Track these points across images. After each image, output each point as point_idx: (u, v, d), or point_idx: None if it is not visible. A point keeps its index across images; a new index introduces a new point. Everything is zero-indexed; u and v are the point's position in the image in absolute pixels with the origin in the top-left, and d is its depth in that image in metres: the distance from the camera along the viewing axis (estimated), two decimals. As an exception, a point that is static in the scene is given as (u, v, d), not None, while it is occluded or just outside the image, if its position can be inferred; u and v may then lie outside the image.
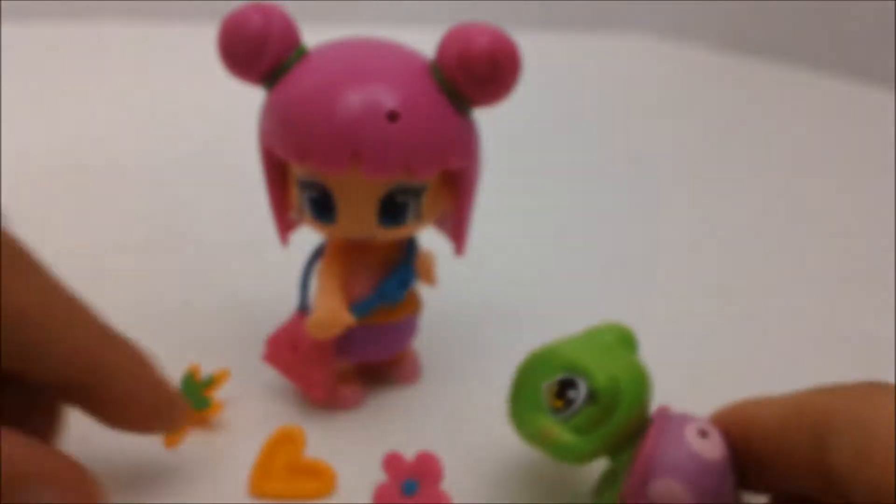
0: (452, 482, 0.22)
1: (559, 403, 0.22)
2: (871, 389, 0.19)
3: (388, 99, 0.23)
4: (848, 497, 0.18)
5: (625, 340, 0.25)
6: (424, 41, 0.26)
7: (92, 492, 0.19)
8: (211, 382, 0.28)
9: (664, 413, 0.22)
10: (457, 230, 0.28)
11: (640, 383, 0.23)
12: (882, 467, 0.17)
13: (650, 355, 0.25)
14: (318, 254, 0.29)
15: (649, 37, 0.87)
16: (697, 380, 0.30)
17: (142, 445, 0.26)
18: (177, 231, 0.43)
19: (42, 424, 0.22)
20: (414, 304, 0.29)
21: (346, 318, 0.26)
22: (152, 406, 0.22)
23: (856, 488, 0.18)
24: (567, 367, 0.23)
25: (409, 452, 0.27)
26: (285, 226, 0.28)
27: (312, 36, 0.26)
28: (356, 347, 0.28)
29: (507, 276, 0.40)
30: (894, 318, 0.37)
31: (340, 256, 0.27)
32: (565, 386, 0.22)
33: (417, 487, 0.23)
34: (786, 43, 0.80)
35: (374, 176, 0.24)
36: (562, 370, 0.23)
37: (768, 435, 0.20)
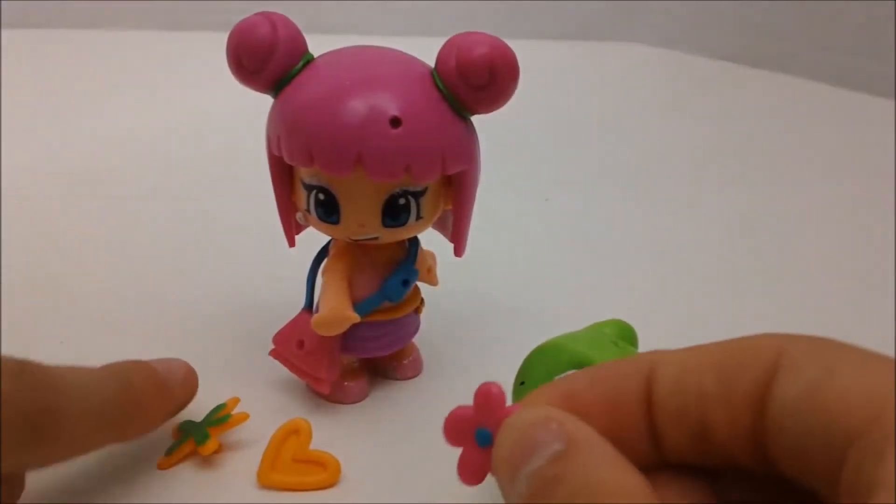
0: (453, 476, 0.23)
1: None
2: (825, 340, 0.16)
3: (391, 105, 0.24)
4: (776, 463, 0.15)
5: (626, 336, 0.26)
6: (426, 50, 0.27)
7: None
8: (224, 422, 0.27)
9: None
10: (457, 232, 0.29)
11: None
12: (838, 401, 0.13)
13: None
14: (322, 254, 0.29)
15: (645, 46, 0.87)
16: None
17: (149, 439, 0.27)
18: (187, 233, 0.44)
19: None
20: (416, 302, 0.30)
21: (351, 316, 0.27)
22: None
23: (793, 438, 0.14)
24: (577, 362, 0.23)
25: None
26: (291, 228, 0.29)
27: (318, 46, 0.27)
28: (360, 344, 0.29)
29: (508, 275, 0.40)
30: (894, 319, 0.37)
31: (345, 256, 0.28)
32: None
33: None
34: (779, 52, 0.81)
35: (376, 179, 0.25)
36: (571, 365, 0.23)
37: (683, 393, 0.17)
